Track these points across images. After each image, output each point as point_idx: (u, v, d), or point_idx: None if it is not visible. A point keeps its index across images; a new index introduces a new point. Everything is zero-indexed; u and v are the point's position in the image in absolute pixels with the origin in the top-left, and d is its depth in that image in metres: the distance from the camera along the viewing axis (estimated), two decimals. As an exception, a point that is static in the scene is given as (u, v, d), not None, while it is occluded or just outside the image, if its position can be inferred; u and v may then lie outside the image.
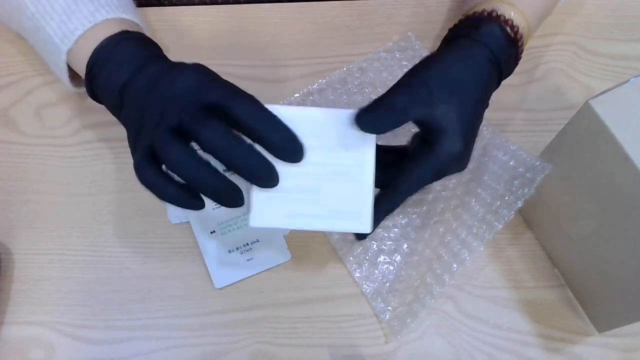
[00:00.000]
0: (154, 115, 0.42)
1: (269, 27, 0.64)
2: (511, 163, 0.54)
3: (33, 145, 0.58)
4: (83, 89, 0.56)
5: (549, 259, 0.55)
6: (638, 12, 0.65)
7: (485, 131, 0.56)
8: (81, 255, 0.54)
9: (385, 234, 0.54)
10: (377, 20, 0.65)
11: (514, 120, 0.60)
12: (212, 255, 0.54)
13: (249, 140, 0.41)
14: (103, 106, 0.51)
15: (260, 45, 0.63)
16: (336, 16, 0.65)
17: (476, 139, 0.47)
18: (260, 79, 0.62)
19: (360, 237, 0.48)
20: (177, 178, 0.42)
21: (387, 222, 0.55)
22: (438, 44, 0.52)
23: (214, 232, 0.54)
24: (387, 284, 0.53)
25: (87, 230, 0.55)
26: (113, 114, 0.49)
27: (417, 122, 0.45)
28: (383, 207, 0.45)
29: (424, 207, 0.55)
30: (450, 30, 0.51)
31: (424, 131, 0.45)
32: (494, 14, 0.49)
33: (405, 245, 0.54)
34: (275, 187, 0.42)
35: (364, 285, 0.53)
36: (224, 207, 0.43)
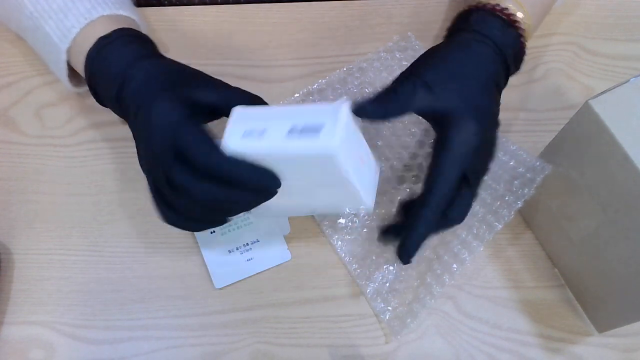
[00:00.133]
0: (143, 159, 0.45)
1: (269, 27, 0.64)
2: (511, 163, 0.54)
3: (33, 145, 0.58)
4: (83, 89, 0.56)
5: (549, 259, 0.55)
6: (638, 12, 0.65)
7: (485, 131, 0.56)
8: (81, 255, 0.54)
9: (385, 234, 0.54)
10: (377, 20, 0.65)
11: (514, 120, 0.60)
12: (212, 255, 0.54)
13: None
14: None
15: (260, 45, 0.63)
16: (336, 16, 0.65)
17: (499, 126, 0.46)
18: (260, 79, 0.62)
19: (405, 260, 0.45)
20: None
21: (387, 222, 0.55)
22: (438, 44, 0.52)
23: (214, 232, 0.54)
24: (387, 284, 0.53)
25: (87, 230, 0.55)
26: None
27: (426, 116, 0.44)
28: (416, 224, 0.43)
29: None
30: (448, 27, 0.51)
31: (436, 125, 0.45)
32: (496, 7, 0.49)
33: (405, 245, 0.54)
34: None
35: (364, 285, 0.53)
36: None
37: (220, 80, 0.48)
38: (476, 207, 0.54)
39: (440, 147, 0.44)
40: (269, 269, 0.54)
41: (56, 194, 0.56)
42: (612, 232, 0.45)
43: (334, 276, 0.54)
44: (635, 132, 0.40)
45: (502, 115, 0.60)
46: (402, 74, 0.47)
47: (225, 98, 0.45)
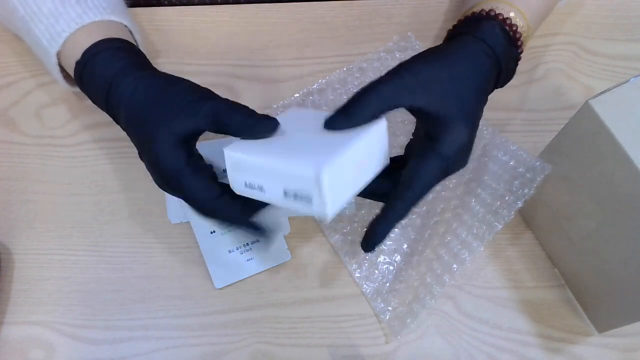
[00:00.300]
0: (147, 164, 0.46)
1: (269, 27, 0.64)
2: (511, 163, 0.54)
3: (33, 145, 0.58)
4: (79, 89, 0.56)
5: (549, 259, 0.55)
6: (638, 12, 0.65)
7: (485, 131, 0.56)
8: (81, 255, 0.54)
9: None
10: (377, 20, 0.65)
11: (514, 120, 0.60)
12: (212, 255, 0.54)
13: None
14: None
15: (260, 45, 0.63)
16: (336, 16, 0.65)
17: (475, 138, 0.47)
18: (260, 79, 0.62)
19: (368, 248, 0.45)
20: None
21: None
22: (438, 44, 0.52)
23: (214, 232, 0.54)
24: (387, 284, 0.53)
25: (88, 230, 0.55)
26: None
27: (415, 112, 0.44)
28: (391, 216, 0.43)
29: (424, 207, 0.55)
30: (449, 31, 0.51)
31: (426, 123, 0.44)
32: (492, 13, 0.49)
33: (405, 245, 0.54)
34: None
35: (364, 285, 0.53)
36: None
37: (205, 93, 0.45)
38: (476, 207, 0.54)
39: (426, 146, 0.43)
40: (269, 269, 0.54)
41: (56, 194, 0.56)
42: (612, 232, 0.45)
43: (334, 276, 0.54)
44: (635, 132, 0.40)
45: (502, 115, 0.60)
46: (389, 71, 0.45)
47: (213, 122, 0.44)
